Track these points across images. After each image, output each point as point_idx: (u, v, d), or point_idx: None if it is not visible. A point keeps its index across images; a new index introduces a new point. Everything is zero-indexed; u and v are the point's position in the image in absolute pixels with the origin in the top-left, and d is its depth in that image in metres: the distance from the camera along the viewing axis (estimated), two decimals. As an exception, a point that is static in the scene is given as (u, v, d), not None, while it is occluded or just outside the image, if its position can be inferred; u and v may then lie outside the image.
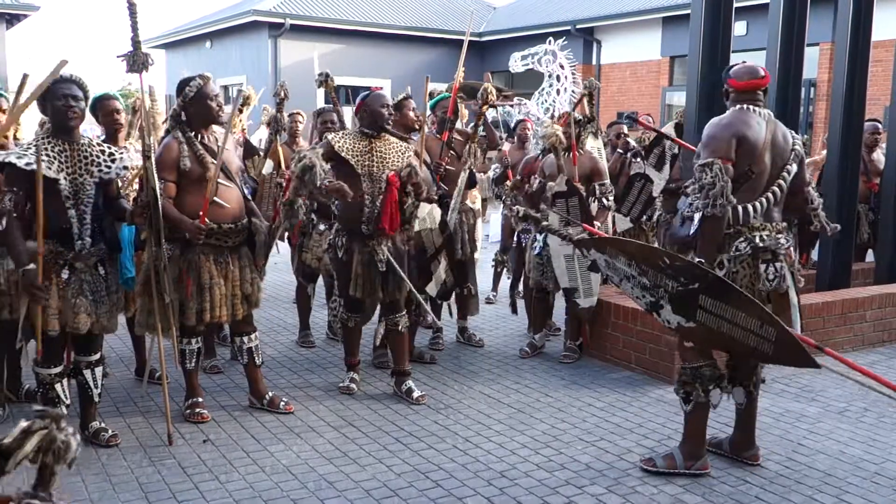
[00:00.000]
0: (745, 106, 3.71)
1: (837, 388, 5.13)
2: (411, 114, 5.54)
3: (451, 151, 5.78)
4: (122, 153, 4.07)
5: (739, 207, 3.61)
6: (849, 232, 6.74)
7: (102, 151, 4.00)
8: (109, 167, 3.95)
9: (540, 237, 5.65)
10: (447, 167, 5.63)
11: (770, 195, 3.69)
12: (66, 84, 3.87)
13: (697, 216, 3.58)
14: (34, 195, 3.73)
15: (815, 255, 7.65)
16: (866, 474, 3.87)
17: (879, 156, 7.70)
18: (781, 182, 3.73)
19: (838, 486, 3.74)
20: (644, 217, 6.62)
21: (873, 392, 5.01)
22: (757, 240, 3.64)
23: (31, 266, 3.72)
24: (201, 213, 4.17)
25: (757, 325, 3.32)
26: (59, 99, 3.84)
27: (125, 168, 4.07)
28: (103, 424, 4.18)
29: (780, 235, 3.71)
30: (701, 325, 3.48)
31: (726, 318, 3.38)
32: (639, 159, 6.46)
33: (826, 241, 6.76)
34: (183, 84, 4.29)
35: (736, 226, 3.63)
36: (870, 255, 8.05)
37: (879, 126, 7.59)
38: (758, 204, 3.65)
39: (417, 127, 5.60)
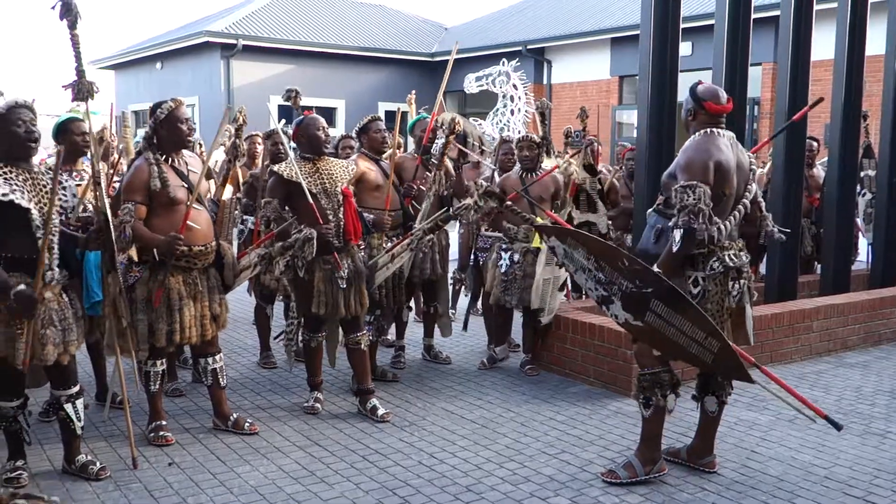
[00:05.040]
0: (712, 130, 3.82)
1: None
2: (378, 136, 5.58)
3: (427, 173, 5.79)
4: (68, 179, 3.99)
5: (713, 228, 3.70)
6: (794, 246, 6.98)
7: (52, 179, 3.77)
8: (65, 195, 3.91)
9: (506, 256, 5.77)
10: (421, 188, 5.68)
11: (736, 214, 3.85)
12: (23, 110, 3.68)
13: (679, 233, 3.60)
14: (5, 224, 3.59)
15: (763, 268, 7.90)
16: (816, 479, 4.03)
17: (819, 171, 8.00)
18: (745, 202, 3.90)
19: (790, 490, 3.89)
20: None
21: (820, 400, 5.21)
22: (727, 259, 3.80)
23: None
24: (181, 227, 4.18)
25: (702, 337, 3.52)
26: (18, 125, 3.62)
27: (73, 196, 4.02)
28: (90, 457, 4.07)
29: (742, 253, 3.88)
30: (648, 326, 3.64)
31: (674, 324, 3.56)
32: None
33: (773, 255, 6.99)
34: (155, 107, 4.29)
35: (710, 245, 3.75)
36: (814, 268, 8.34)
37: (814, 144, 7.85)
38: (727, 224, 3.78)
39: (386, 148, 5.66)
